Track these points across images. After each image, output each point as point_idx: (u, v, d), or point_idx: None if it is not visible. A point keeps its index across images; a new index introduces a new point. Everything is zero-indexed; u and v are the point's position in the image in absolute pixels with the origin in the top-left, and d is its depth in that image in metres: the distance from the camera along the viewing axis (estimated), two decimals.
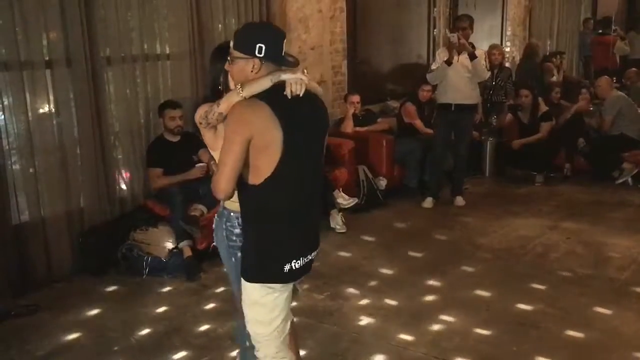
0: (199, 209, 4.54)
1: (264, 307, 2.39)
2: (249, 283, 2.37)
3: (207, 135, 2.56)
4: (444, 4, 8.24)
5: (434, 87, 6.16)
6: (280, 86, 2.27)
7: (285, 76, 2.29)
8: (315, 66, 6.46)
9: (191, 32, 5.05)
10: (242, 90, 2.27)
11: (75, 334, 3.60)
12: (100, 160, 4.54)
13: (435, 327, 3.61)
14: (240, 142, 2.21)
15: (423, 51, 8.12)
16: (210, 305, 3.94)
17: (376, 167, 6.13)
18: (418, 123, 6.45)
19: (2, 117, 4.08)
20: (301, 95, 2.27)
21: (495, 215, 5.64)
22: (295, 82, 2.27)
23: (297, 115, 2.28)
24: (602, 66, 10.35)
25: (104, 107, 4.55)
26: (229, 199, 2.37)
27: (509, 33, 9.89)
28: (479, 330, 3.56)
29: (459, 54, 5.63)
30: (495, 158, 7.04)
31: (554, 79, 8.67)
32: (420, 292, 4.06)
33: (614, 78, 9.36)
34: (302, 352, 3.29)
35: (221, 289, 4.17)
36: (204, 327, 3.64)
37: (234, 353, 3.28)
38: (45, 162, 4.30)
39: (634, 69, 8.59)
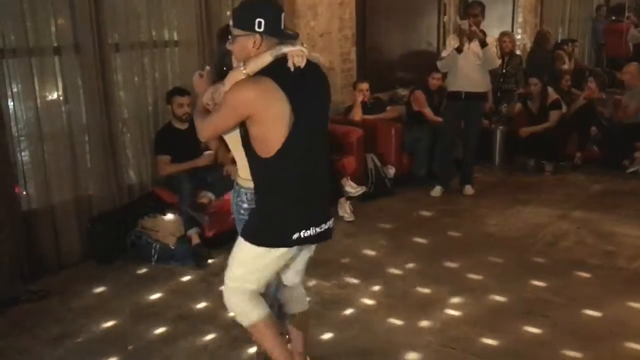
0: (207, 197, 4.54)
1: (253, 264, 2.52)
2: (247, 243, 2.48)
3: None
4: None
5: (444, 75, 6.11)
6: (282, 60, 2.32)
7: (286, 49, 2.33)
8: (323, 53, 6.41)
9: (199, 18, 5.03)
10: (245, 68, 2.31)
11: (84, 319, 3.63)
12: (109, 147, 4.55)
13: (443, 315, 3.60)
14: (235, 117, 2.35)
15: (433, 38, 8.05)
16: (219, 293, 3.93)
17: (385, 156, 6.10)
18: (427, 111, 6.41)
19: (11, 104, 4.09)
20: (302, 66, 2.32)
21: (505, 204, 5.60)
22: (297, 55, 2.31)
23: (301, 86, 2.34)
24: (614, 54, 10.22)
25: (112, 94, 4.55)
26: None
27: (520, 20, 9.77)
28: (488, 318, 3.54)
29: (469, 42, 5.57)
30: (505, 147, 6.98)
31: (565, 66, 8.56)
32: (429, 280, 4.05)
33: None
34: (309, 339, 3.31)
35: None
36: (212, 314, 3.65)
37: (244, 341, 3.29)
38: (54, 149, 4.31)
39: None
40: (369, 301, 3.80)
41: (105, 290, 4.01)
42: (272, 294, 2.79)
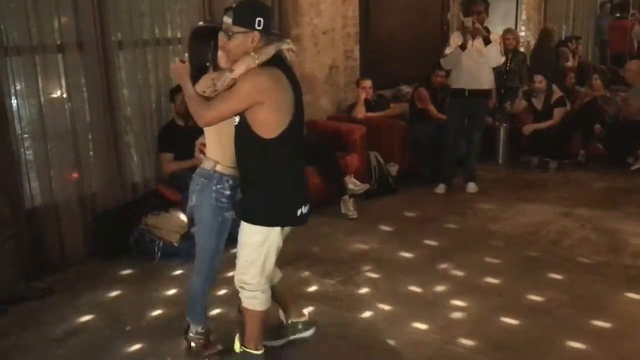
0: None
1: (262, 248, 2.76)
2: (254, 226, 2.72)
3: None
4: None
5: (448, 72, 6.09)
6: (278, 54, 2.62)
7: (285, 45, 2.65)
8: (327, 51, 6.41)
9: (202, 16, 5.02)
10: (257, 57, 2.56)
11: (88, 317, 3.64)
12: (112, 145, 4.55)
13: (448, 313, 3.60)
14: (247, 103, 2.57)
15: (437, 35, 8.02)
16: (221, 290, 3.94)
17: (388, 153, 6.08)
18: (431, 108, 6.40)
19: (15, 102, 4.10)
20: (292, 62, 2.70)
21: (508, 202, 5.59)
22: (292, 50, 2.67)
23: (295, 79, 2.68)
24: (619, 51, 10.19)
25: (115, 92, 4.56)
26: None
27: (524, 17, 9.74)
28: (491, 317, 3.54)
29: (473, 39, 5.56)
30: (509, 144, 6.96)
31: (569, 64, 8.54)
32: (432, 278, 4.04)
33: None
34: (313, 339, 3.31)
35: (232, 273, 4.17)
36: (215, 311, 3.65)
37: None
38: (58, 147, 4.32)
39: None
40: (372, 298, 3.80)
41: (109, 287, 4.01)
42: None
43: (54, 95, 4.33)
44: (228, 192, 2.83)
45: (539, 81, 6.68)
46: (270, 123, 2.59)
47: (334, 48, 6.48)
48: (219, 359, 3.15)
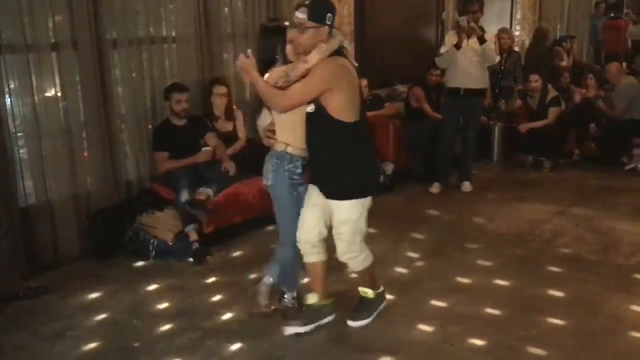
0: (205, 193, 4.53)
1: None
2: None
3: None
4: None
5: (443, 71, 6.10)
6: (341, 46, 3.01)
7: (341, 38, 3.06)
8: None
9: (197, 15, 5.02)
10: (325, 50, 2.92)
11: (82, 316, 3.62)
12: (107, 144, 4.54)
13: (442, 311, 3.60)
14: (322, 90, 2.94)
15: (432, 34, 8.03)
16: (216, 289, 3.95)
17: (383, 152, 6.08)
18: (426, 107, 6.40)
19: (9, 100, 4.08)
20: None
21: (503, 201, 5.61)
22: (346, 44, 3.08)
23: (355, 67, 3.06)
24: (613, 50, 10.22)
25: (110, 90, 4.54)
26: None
27: (518, 17, 9.76)
28: (486, 315, 3.55)
29: (468, 38, 5.57)
30: (504, 143, 6.99)
31: (564, 63, 8.56)
32: (427, 276, 4.05)
33: (625, 63, 9.28)
34: (307, 337, 3.31)
35: (227, 272, 4.18)
36: (210, 311, 3.65)
37: (241, 338, 3.29)
38: (52, 145, 4.30)
39: None
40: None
41: (103, 286, 4.00)
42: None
43: (48, 94, 4.31)
44: (299, 170, 3.21)
45: (535, 80, 6.70)
46: (345, 107, 2.97)
47: None
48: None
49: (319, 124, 3.03)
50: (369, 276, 3.44)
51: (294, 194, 3.25)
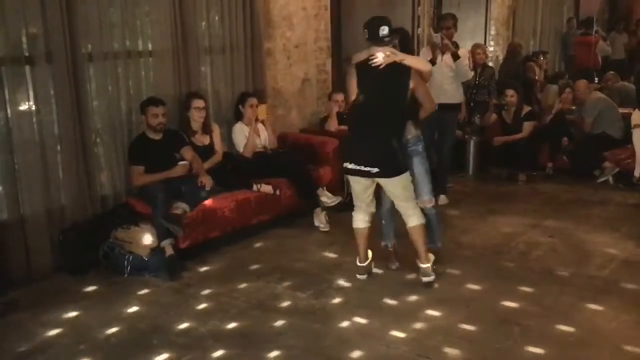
0: (181, 207, 4.51)
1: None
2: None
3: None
4: (428, 3, 8.25)
5: None
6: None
7: (374, 51, 3.86)
8: (299, 64, 6.44)
9: (174, 29, 5.02)
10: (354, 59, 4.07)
11: (54, 333, 3.56)
12: (82, 158, 4.49)
13: (419, 324, 3.62)
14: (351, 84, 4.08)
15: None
16: (192, 304, 3.91)
17: None
18: None
19: None
20: (381, 64, 3.85)
21: (478, 214, 5.67)
22: (377, 56, 3.83)
23: (374, 75, 3.90)
24: (584, 66, 10.45)
25: (85, 104, 4.50)
26: None
27: (492, 32, 9.94)
28: (462, 328, 3.57)
29: (442, 54, 5.65)
30: (479, 157, 7.07)
31: (536, 77, 8.73)
32: (404, 290, 4.07)
33: (596, 78, 9.48)
34: (284, 351, 3.30)
35: (203, 287, 4.14)
36: (185, 326, 3.62)
37: (217, 353, 3.26)
38: (25, 159, 4.24)
39: (611, 72, 8.67)
40: (343, 311, 3.80)
41: (77, 303, 3.94)
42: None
43: (22, 107, 4.25)
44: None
45: (511, 95, 6.82)
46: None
47: (306, 61, 6.52)
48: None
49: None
50: (422, 241, 4.18)
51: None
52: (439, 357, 3.27)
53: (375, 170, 3.89)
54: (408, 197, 4.07)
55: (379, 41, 3.85)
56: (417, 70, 3.95)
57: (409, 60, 3.92)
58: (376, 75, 3.84)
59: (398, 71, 3.86)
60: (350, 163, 3.94)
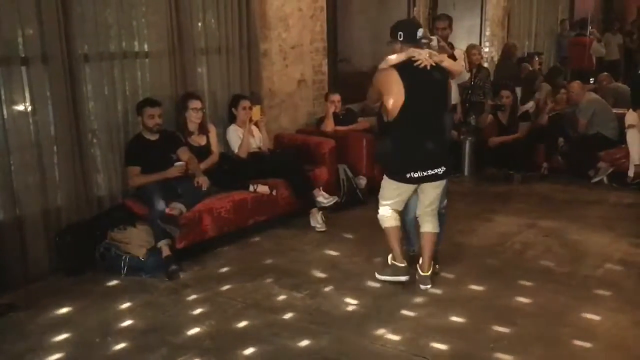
0: (177, 208, 4.51)
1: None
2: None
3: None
4: (424, 3, 8.28)
5: None
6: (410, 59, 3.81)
7: (414, 52, 3.81)
8: (295, 65, 6.45)
9: (170, 30, 5.02)
10: (388, 61, 3.88)
11: (52, 334, 3.56)
12: (78, 158, 4.49)
13: (414, 323, 3.63)
14: (376, 91, 4.10)
15: None
16: (189, 305, 3.92)
17: (356, 166, 6.14)
18: None
19: None
20: (422, 66, 3.79)
21: (474, 214, 5.69)
22: (422, 58, 3.79)
23: (419, 78, 3.82)
24: (578, 67, 10.51)
25: (81, 105, 4.50)
26: None
27: (487, 33, 9.98)
28: (457, 327, 3.59)
29: None
30: (474, 157, 7.10)
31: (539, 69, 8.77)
32: (399, 290, 4.08)
33: (591, 79, 9.53)
34: (281, 351, 3.31)
35: (200, 288, 4.15)
36: (182, 327, 3.62)
37: (215, 353, 3.26)
38: (22, 160, 4.24)
39: (605, 73, 8.71)
40: (340, 311, 3.81)
41: (73, 303, 3.94)
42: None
43: (18, 108, 4.25)
44: None
45: (506, 96, 6.85)
46: (388, 109, 3.89)
47: (302, 62, 6.53)
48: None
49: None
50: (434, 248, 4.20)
51: None
52: (436, 356, 3.28)
53: (443, 170, 3.90)
54: (441, 199, 4.09)
55: (417, 43, 3.86)
56: (451, 71, 4.01)
57: (446, 62, 3.95)
58: (423, 76, 3.79)
59: (439, 72, 3.88)
60: (416, 172, 3.85)
